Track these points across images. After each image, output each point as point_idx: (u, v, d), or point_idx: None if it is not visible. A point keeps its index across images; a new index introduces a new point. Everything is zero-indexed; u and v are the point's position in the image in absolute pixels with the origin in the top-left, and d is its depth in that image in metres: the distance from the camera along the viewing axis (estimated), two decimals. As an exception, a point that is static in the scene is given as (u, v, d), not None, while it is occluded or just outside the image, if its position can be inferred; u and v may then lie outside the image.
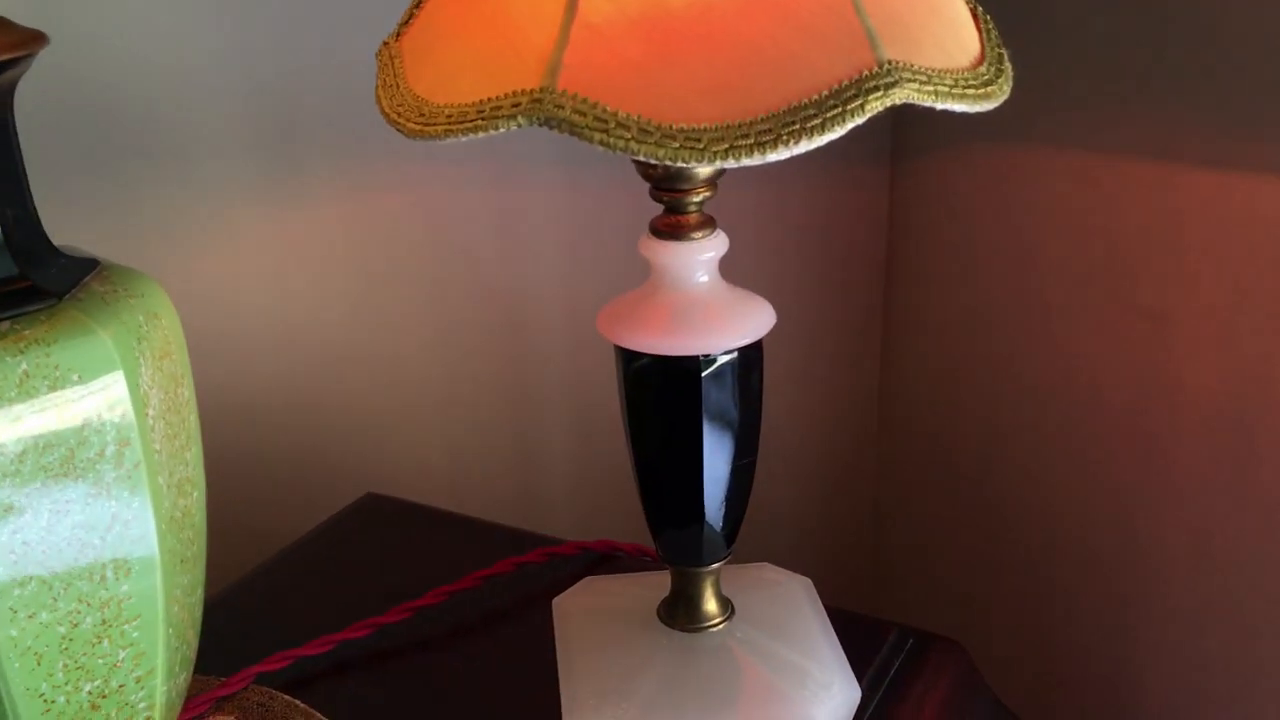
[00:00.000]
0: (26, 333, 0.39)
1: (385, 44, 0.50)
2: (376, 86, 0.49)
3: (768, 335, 0.55)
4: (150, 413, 0.42)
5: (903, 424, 1.02)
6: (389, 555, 0.74)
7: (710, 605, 0.60)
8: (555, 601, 0.66)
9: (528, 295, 0.95)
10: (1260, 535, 0.68)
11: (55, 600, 0.41)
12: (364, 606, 0.67)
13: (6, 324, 0.39)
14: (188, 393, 0.46)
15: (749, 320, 0.54)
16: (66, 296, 0.41)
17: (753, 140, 0.40)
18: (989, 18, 0.50)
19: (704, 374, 0.53)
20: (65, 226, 0.70)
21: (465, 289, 0.94)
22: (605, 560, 0.72)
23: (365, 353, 0.92)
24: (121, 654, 0.43)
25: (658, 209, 0.53)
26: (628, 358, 0.54)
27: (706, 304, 0.53)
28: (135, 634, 0.43)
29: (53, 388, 0.39)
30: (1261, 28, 0.64)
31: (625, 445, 0.57)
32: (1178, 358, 0.71)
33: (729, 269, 0.58)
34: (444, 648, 0.65)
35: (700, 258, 0.53)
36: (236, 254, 0.82)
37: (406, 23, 0.50)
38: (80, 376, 0.39)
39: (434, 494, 0.90)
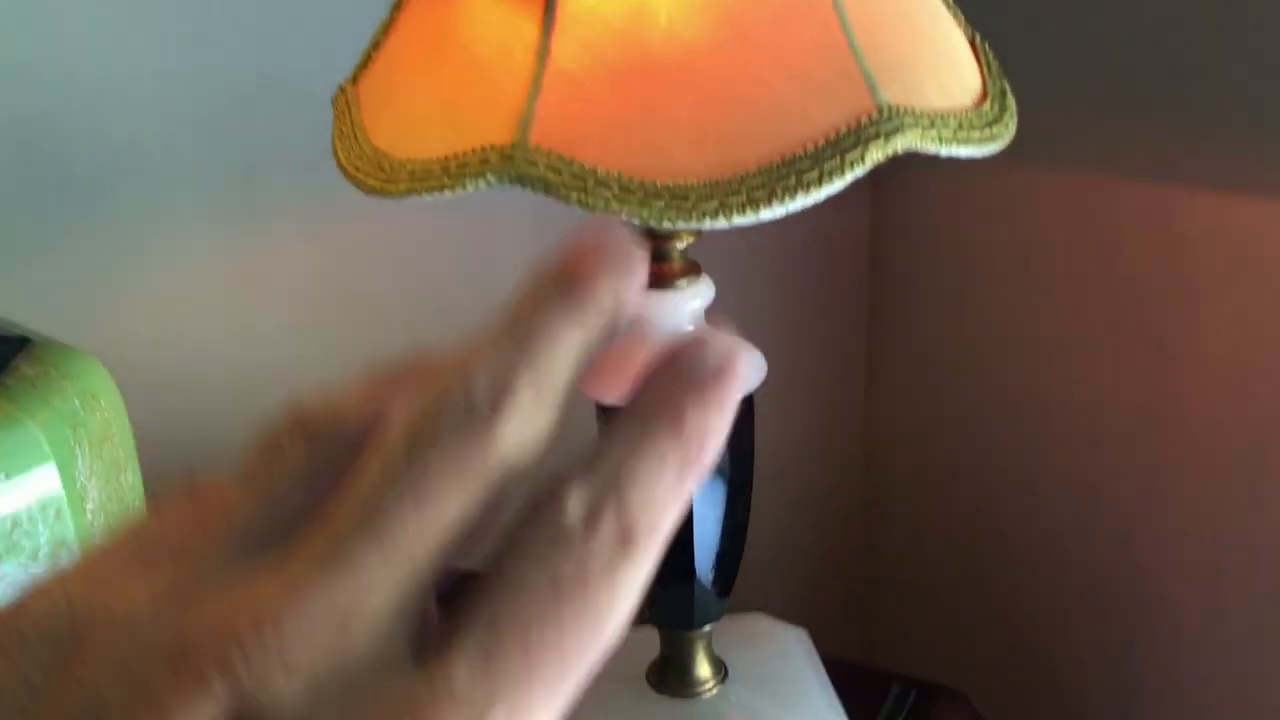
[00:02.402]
0: (-55, 430, 0.35)
1: (341, 89, 0.46)
2: (333, 136, 0.45)
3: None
4: (89, 507, 0.38)
5: (891, 457, 0.99)
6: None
7: (703, 669, 0.57)
8: (537, 663, 0.62)
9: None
10: (1273, 570, 0.65)
11: (-13, 719, 0.37)
12: None
13: (-76, 418, 0.35)
14: (132, 477, 0.42)
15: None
16: (-8, 383, 0.37)
17: (744, 197, 0.37)
18: (988, 48, 0.47)
19: (692, 432, 0.49)
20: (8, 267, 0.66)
21: (437, 322, 0.90)
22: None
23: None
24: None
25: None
26: (610, 415, 0.51)
27: (693, 356, 0.50)
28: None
29: (-24, 488, 0.35)
30: (1266, 45, 0.61)
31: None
32: (1182, 386, 0.68)
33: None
34: None
35: (685, 307, 0.50)
36: (196, 294, 0.78)
37: (364, 65, 0.46)
38: (7, 473, 0.36)
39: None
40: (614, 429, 0.18)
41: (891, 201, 0.92)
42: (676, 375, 0.19)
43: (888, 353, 0.96)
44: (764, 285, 0.97)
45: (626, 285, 0.19)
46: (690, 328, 0.50)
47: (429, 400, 0.17)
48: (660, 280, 0.49)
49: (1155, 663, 0.74)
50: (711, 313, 0.51)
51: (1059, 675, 0.83)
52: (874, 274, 0.96)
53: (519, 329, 0.18)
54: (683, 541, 0.52)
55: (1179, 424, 0.69)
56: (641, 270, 0.20)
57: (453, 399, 0.17)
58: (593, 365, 0.51)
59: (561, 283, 0.19)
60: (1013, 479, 0.84)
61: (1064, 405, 0.78)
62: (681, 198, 0.37)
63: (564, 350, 0.18)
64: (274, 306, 0.83)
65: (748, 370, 0.50)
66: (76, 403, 0.39)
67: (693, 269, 0.50)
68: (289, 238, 0.83)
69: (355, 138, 0.43)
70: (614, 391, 0.49)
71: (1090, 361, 0.75)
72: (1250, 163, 0.63)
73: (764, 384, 0.52)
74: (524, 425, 0.18)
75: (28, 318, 0.46)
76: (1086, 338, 0.75)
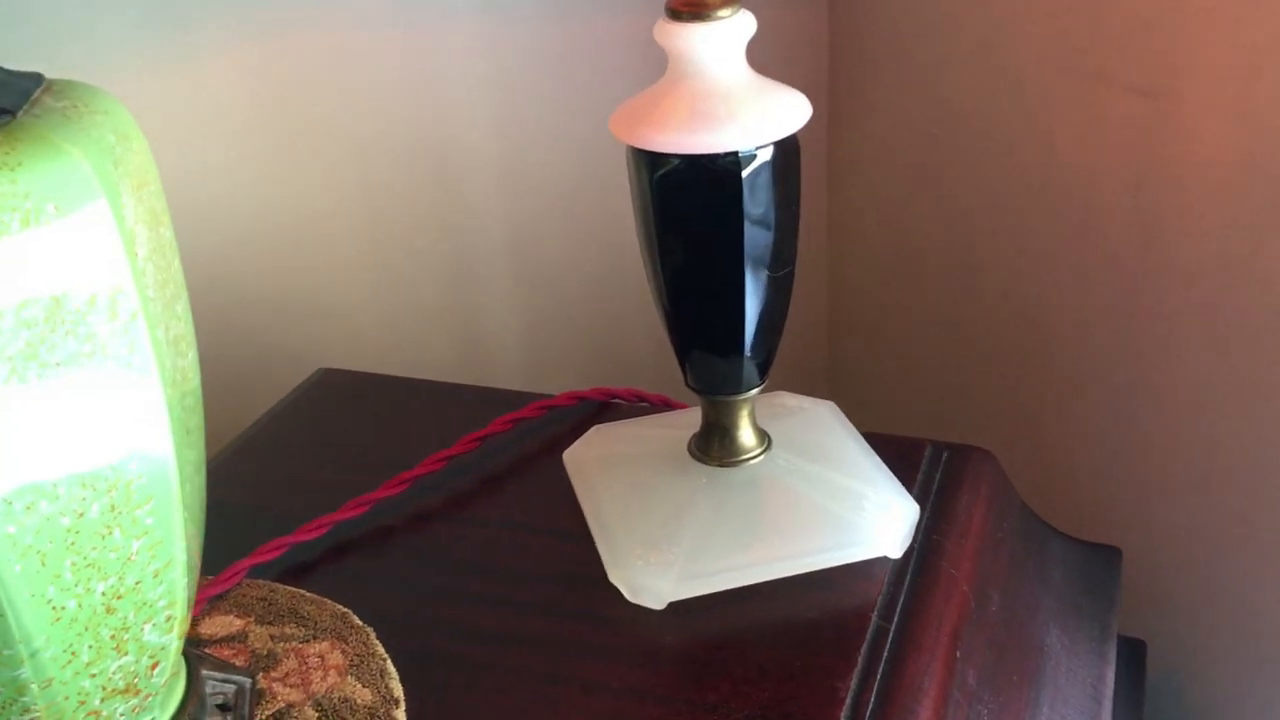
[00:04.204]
0: (-17, 155, 0.31)
1: None
2: None
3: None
4: (140, 253, 0.35)
5: (856, 251, 0.98)
6: (364, 429, 0.67)
7: (747, 436, 0.55)
8: (566, 455, 0.60)
9: (455, 142, 0.87)
10: (1275, 325, 0.66)
11: (55, 486, 0.33)
12: (349, 485, 0.60)
13: (-50, 151, 0.31)
14: (169, 234, 0.38)
15: (788, 110, 0.48)
16: (20, 113, 0.33)
17: None
18: None
19: (745, 173, 0.47)
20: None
21: (386, 141, 0.85)
22: (603, 409, 0.66)
23: (284, 222, 0.84)
24: (135, 545, 0.36)
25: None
26: (652, 163, 0.48)
27: (738, 94, 0.47)
28: (149, 520, 0.36)
29: (25, 223, 0.31)
30: None
31: (645, 264, 0.51)
32: (1183, 136, 0.67)
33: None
34: (450, 517, 0.59)
35: (729, 41, 0.47)
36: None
37: None
38: (57, 207, 0.32)
39: (378, 366, 0.83)
40: None
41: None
42: None
43: (850, 141, 0.94)
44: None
45: None
46: (734, 66, 0.48)
47: None
48: (699, 11, 0.46)
49: (1153, 410, 0.75)
50: None
51: (1049, 436, 0.84)
52: (834, 62, 0.93)
53: None
54: (733, 296, 0.49)
55: (1178, 170, 0.68)
56: None
57: None
58: (632, 111, 0.47)
59: None
60: (996, 248, 0.84)
61: (1049, 167, 0.77)
62: None
63: None
64: (207, 132, 0.78)
65: (797, 105, 0.47)
66: (112, 139, 0.35)
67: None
68: (222, 63, 0.78)
69: None
70: (658, 136, 0.47)
71: (1078, 121, 0.74)
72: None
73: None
74: None
75: None
76: (1076, 98, 0.74)
